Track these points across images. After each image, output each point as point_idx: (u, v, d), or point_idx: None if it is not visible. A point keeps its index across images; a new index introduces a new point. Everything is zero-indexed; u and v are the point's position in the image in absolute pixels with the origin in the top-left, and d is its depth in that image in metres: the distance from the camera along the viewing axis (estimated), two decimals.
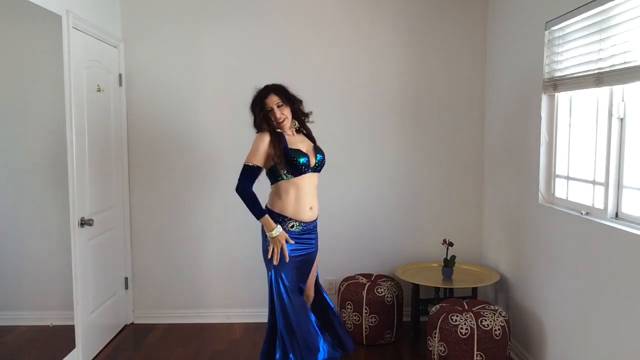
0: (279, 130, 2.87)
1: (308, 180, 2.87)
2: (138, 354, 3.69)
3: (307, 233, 2.93)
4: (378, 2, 4.09)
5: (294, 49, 4.11)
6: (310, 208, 2.90)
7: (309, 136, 3.06)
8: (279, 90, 2.88)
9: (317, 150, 2.98)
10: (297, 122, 2.97)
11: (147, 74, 4.09)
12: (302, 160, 2.81)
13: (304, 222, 2.89)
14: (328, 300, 3.17)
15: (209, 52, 4.09)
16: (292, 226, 2.86)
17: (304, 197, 2.86)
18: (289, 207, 2.85)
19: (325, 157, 3.01)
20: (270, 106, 2.84)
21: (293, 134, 2.94)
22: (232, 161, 4.10)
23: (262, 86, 2.93)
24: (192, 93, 4.10)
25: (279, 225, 2.81)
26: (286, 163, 2.79)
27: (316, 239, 3.04)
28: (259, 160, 2.80)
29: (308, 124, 3.07)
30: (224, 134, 4.12)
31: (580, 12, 2.69)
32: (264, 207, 2.88)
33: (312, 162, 2.88)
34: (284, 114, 2.85)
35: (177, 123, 4.11)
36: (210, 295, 4.25)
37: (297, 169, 2.82)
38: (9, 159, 2.87)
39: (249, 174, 2.79)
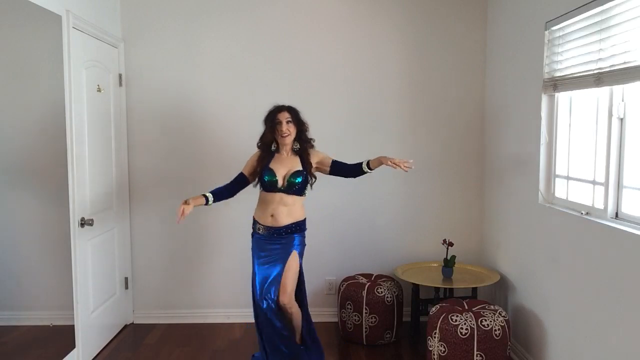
0: (274, 147, 3.23)
1: (278, 198, 3.18)
2: (138, 354, 3.69)
3: (274, 236, 3.21)
4: (379, 2, 4.09)
5: (294, 48, 4.11)
6: (272, 215, 3.20)
7: (304, 160, 3.24)
8: (292, 110, 3.23)
9: (297, 174, 3.18)
10: (298, 145, 3.25)
11: (147, 74, 4.09)
12: (266, 178, 3.18)
13: (267, 226, 3.21)
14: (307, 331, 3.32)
15: (209, 52, 4.09)
16: (259, 229, 3.26)
17: (268, 207, 3.21)
18: (257, 212, 3.30)
19: (309, 180, 3.24)
20: (281, 120, 3.17)
21: (287, 155, 3.24)
22: (232, 160, 4.12)
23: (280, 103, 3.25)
24: (192, 93, 4.10)
25: (191, 202, 3.13)
26: (259, 178, 3.23)
27: (287, 244, 3.21)
28: (245, 169, 3.28)
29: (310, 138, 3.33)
30: (224, 134, 4.12)
31: (580, 12, 2.70)
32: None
33: (280, 183, 3.17)
34: (289, 130, 3.18)
35: (177, 123, 4.11)
36: (210, 295, 4.25)
37: (263, 185, 3.22)
38: (8, 158, 2.87)
39: (235, 177, 3.29)
